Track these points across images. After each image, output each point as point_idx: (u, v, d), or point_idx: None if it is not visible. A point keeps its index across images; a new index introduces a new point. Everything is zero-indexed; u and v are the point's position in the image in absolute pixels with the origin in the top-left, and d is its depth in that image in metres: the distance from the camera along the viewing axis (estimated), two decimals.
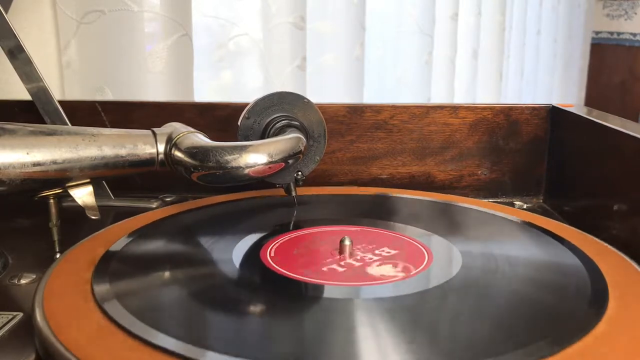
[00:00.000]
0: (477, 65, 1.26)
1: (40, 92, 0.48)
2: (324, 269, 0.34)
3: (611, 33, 2.35)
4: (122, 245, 0.37)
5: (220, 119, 0.53)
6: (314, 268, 0.34)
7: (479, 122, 0.54)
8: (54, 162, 0.36)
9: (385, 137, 0.54)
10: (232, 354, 0.25)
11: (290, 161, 0.39)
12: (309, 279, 0.33)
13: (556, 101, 0.55)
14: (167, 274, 0.35)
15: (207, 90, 0.74)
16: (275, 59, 0.76)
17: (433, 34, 1.05)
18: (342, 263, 0.35)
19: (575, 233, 0.41)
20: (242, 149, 0.38)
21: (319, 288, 0.32)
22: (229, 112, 0.53)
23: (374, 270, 0.34)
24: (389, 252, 0.37)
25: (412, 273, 0.34)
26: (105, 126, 0.52)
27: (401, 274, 0.33)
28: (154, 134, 0.40)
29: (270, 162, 0.38)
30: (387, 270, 0.34)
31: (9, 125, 0.36)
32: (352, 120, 0.54)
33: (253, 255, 0.37)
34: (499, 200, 0.54)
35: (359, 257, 0.36)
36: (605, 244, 0.38)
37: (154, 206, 0.50)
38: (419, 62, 1.04)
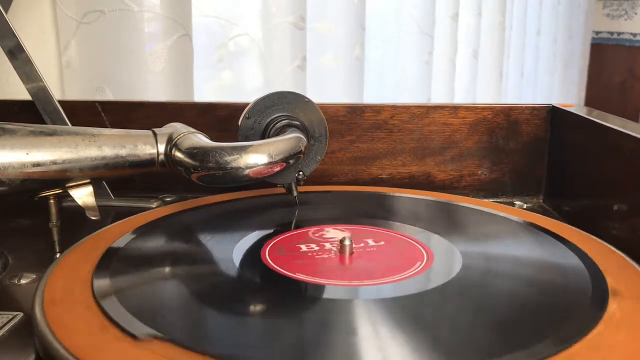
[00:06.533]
0: (477, 65, 1.26)
1: (40, 92, 0.48)
2: (324, 268, 0.34)
3: (611, 33, 2.35)
4: (122, 245, 0.37)
5: (220, 119, 0.53)
6: (314, 268, 0.34)
7: (479, 122, 0.54)
8: (54, 163, 0.36)
9: (385, 137, 0.54)
10: (231, 354, 0.25)
11: (291, 161, 0.39)
12: (309, 279, 0.33)
13: (556, 101, 0.55)
14: (167, 274, 0.35)
15: (207, 90, 0.74)
16: (275, 59, 0.76)
17: (433, 34, 1.05)
18: (343, 262, 0.35)
19: (575, 233, 0.41)
20: (242, 149, 0.38)
21: (319, 288, 0.32)
22: (229, 112, 0.53)
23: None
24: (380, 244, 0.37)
25: (411, 271, 0.34)
26: (105, 126, 0.52)
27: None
28: (155, 134, 0.40)
29: (270, 163, 0.38)
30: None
31: (9, 125, 0.36)
32: (352, 120, 0.54)
33: (253, 254, 0.37)
34: (499, 200, 0.54)
35: (359, 256, 0.36)
36: (605, 244, 0.38)
37: (154, 206, 0.50)
38: (419, 62, 1.04)
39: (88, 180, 0.38)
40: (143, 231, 0.40)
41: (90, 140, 0.38)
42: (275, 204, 0.47)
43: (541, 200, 0.54)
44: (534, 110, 0.53)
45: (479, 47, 1.26)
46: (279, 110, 0.45)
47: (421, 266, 0.35)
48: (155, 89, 0.60)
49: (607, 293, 0.31)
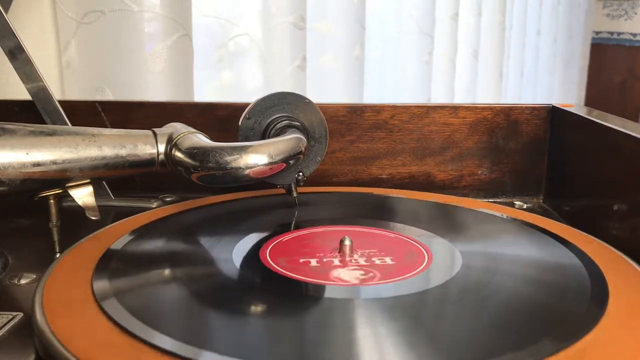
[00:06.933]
0: (477, 65, 1.26)
1: (40, 92, 0.48)
2: (325, 268, 0.34)
3: (611, 33, 2.35)
4: (122, 245, 0.37)
5: (220, 119, 0.53)
6: (315, 268, 0.34)
7: (479, 122, 0.54)
8: (54, 162, 0.36)
9: (385, 137, 0.54)
10: (231, 355, 0.25)
11: (291, 162, 0.39)
12: (309, 279, 0.33)
13: (556, 101, 0.55)
14: (167, 274, 0.35)
15: (207, 90, 0.74)
16: (275, 59, 0.76)
17: (433, 34, 1.05)
18: (343, 263, 0.35)
19: (575, 233, 0.41)
20: (243, 149, 0.38)
21: (319, 288, 0.32)
22: (230, 112, 0.53)
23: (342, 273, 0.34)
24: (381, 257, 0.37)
25: (408, 274, 0.34)
26: (105, 126, 0.52)
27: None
28: (155, 134, 0.40)
29: (270, 163, 0.38)
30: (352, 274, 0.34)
31: (9, 125, 0.36)
32: (352, 120, 0.54)
33: (253, 255, 0.37)
34: (499, 200, 0.54)
35: (359, 256, 0.36)
36: (605, 244, 0.38)
37: (154, 206, 0.50)
38: (419, 62, 1.04)
39: (88, 180, 0.38)
40: (143, 232, 0.40)
41: (90, 140, 0.38)
42: (275, 205, 0.47)
43: (541, 201, 0.54)
44: (534, 110, 0.53)
45: (479, 47, 1.26)
46: (280, 111, 0.45)
47: (421, 266, 0.35)
48: (155, 89, 0.60)
49: (607, 293, 0.31)
